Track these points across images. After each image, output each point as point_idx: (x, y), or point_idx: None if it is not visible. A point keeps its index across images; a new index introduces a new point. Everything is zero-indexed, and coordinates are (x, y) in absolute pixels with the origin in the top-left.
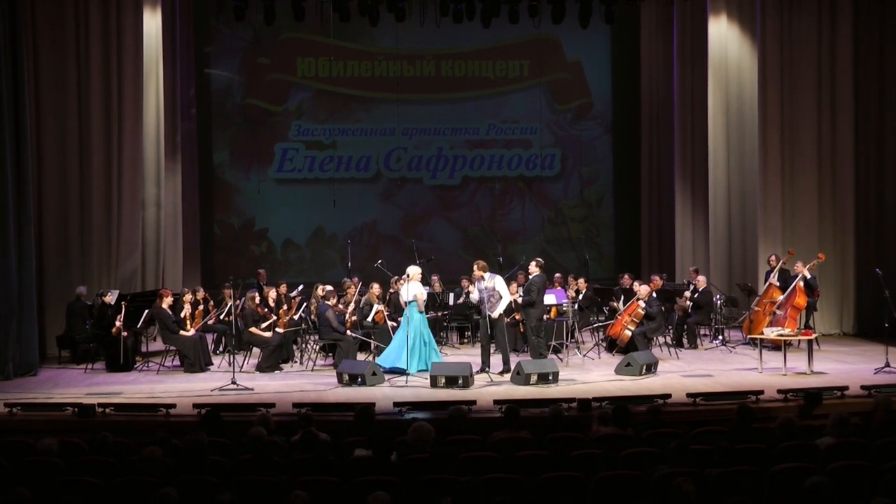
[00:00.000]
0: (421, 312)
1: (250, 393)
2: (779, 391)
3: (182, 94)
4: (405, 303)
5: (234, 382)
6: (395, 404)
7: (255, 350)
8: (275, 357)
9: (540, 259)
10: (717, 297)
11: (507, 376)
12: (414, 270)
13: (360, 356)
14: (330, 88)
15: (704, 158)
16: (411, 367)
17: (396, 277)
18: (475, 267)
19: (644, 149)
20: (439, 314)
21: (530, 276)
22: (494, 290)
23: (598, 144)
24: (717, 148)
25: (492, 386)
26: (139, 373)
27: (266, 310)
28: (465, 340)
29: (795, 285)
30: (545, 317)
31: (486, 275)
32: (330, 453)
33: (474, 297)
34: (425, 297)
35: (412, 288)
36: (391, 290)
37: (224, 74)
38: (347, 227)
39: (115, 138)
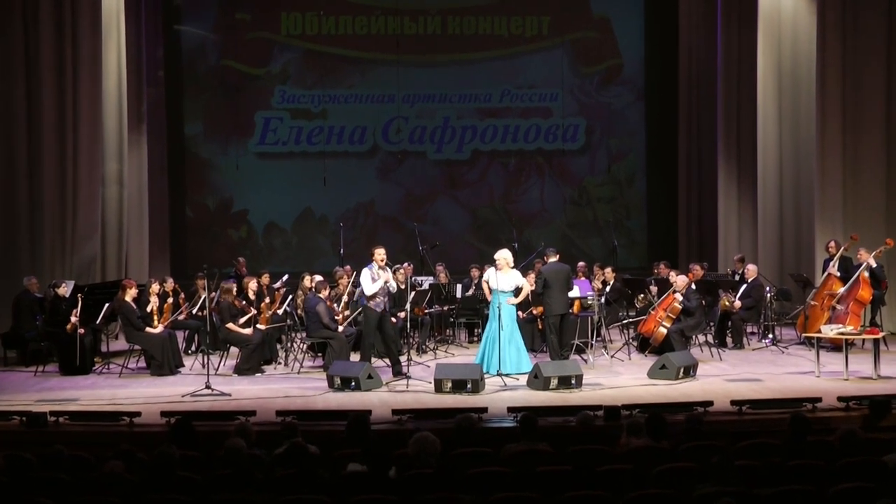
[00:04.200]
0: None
1: (227, 399)
2: (839, 398)
3: (148, 54)
4: (490, 292)
5: (208, 387)
6: (395, 412)
7: (233, 350)
8: (256, 358)
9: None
10: (767, 289)
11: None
12: (506, 255)
13: (354, 357)
14: (319, 48)
15: (752, 130)
16: (502, 367)
17: (398, 267)
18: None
19: (682, 119)
20: (445, 308)
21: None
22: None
23: (629, 114)
24: (768, 118)
25: (506, 391)
26: (98, 376)
27: (245, 303)
28: (475, 338)
29: (859, 276)
30: (569, 312)
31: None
32: (319, 468)
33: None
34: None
35: (511, 278)
36: (385, 282)
37: (197, 32)
38: (340, 209)
39: (69, 106)
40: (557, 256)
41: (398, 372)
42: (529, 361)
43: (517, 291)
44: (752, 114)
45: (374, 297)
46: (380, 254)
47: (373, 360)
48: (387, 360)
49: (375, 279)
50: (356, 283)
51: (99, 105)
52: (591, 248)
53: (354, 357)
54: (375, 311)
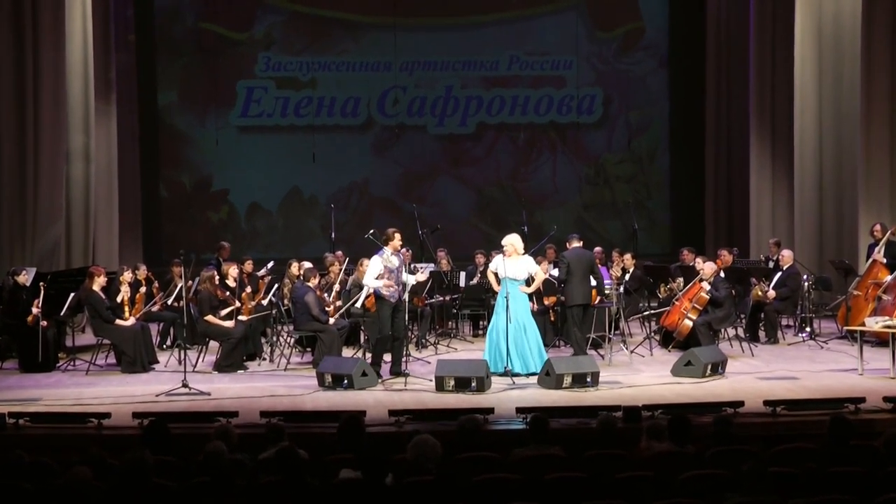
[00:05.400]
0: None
1: (206, 399)
2: (885, 399)
3: (117, 16)
4: (498, 282)
5: (185, 385)
6: (391, 412)
7: (213, 344)
8: (238, 353)
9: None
10: (805, 277)
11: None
12: (514, 241)
13: (347, 352)
14: (307, 10)
15: (789, 101)
16: (519, 367)
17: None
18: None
19: (709, 88)
20: (447, 299)
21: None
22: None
23: (651, 83)
24: (806, 88)
25: (514, 390)
26: (63, 373)
27: (227, 293)
28: (480, 331)
29: None
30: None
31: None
32: (308, 475)
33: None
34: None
35: (522, 264)
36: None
37: None
38: (330, 189)
39: (29, 73)
40: (581, 243)
41: (397, 372)
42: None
43: (530, 280)
44: (789, 83)
45: (387, 285)
46: (399, 239)
47: (367, 355)
48: (387, 357)
49: (388, 268)
50: (348, 271)
51: (62, 72)
52: (609, 231)
53: (346, 352)
54: (390, 301)
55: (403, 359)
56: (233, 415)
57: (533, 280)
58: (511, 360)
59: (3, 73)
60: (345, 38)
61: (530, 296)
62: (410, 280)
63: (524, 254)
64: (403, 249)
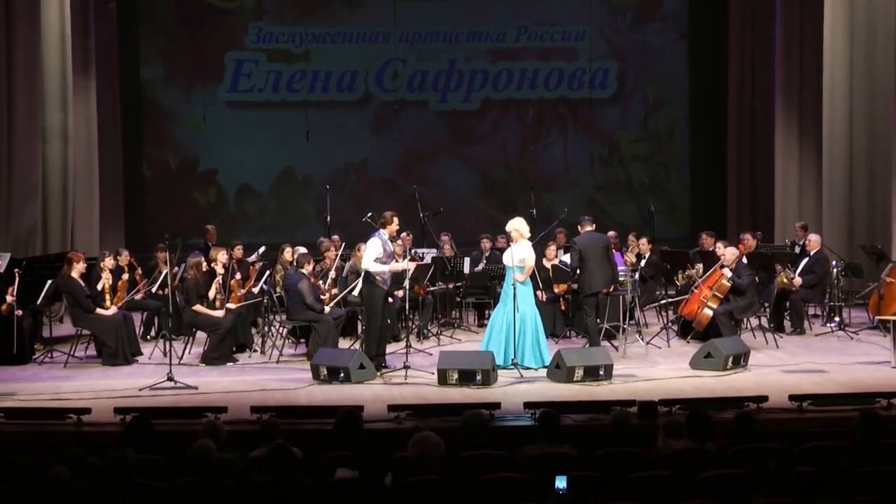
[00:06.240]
0: (524, 283)
1: (193, 393)
2: None
3: None
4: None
5: (170, 378)
6: (391, 408)
7: (200, 335)
8: (227, 344)
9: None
10: (834, 263)
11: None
12: (519, 226)
13: (343, 343)
14: None
15: (817, 74)
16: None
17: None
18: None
19: (732, 62)
20: (450, 286)
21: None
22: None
23: (670, 56)
24: (836, 62)
25: (522, 383)
26: (40, 366)
27: (221, 283)
28: (486, 321)
29: None
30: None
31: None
32: (302, 474)
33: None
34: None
35: (518, 250)
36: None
37: None
38: (326, 169)
39: (1, 45)
40: (593, 226)
41: (380, 365)
42: (549, 355)
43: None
44: (818, 57)
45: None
46: (396, 223)
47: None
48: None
49: (385, 252)
50: (345, 257)
51: (37, 44)
52: (624, 215)
53: (343, 343)
54: (382, 288)
55: (403, 351)
56: (221, 410)
57: (523, 266)
58: (516, 352)
59: None
60: (341, 7)
61: (538, 284)
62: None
63: (529, 239)
64: (404, 234)
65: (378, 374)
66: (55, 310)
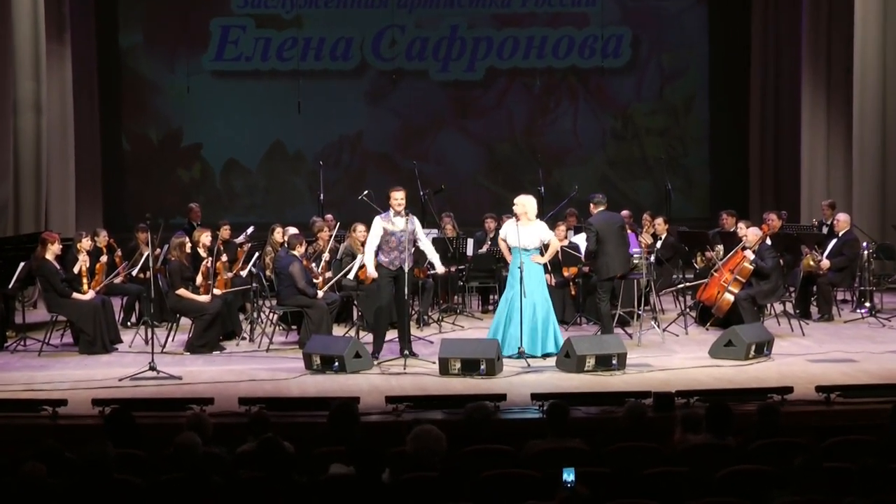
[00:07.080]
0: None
1: (177, 383)
2: None
3: None
4: (509, 251)
5: (152, 368)
6: (389, 399)
7: (185, 322)
8: (213, 332)
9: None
10: (864, 245)
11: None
12: (527, 204)
13: (337, 330)
14: None
15: (848, 41)
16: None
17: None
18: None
19: (755, 28)
20: (452, 269)
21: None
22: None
23: (687, 21)
24: (868, 28)
25: (529, 373)
26: (12, 354)
27: (207, 268)
28: (491, 307)
29: None
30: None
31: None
32: (294, 470)
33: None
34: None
35: (535, 230)
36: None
37: None
38: (319, 143)
39: None
40: (606, 205)
41: (410, 353)
42: (561, 341)
43: (544, 248)
44: (847, 22)
45: (389, 251)
46: (396, 198)
47: (361, 334)
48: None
49: (387, 230)
50: (339, 238)
51: (7, 8)
52: (638, 193)
53: (337, 330)
54: (389, 269)
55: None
56: (207, 402)
57: (547, 248)
58: (524, 340)
59: None
60: None
61: (546, 267)
62: (426, 248)
63: (538, 218)
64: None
65: (374, 362)
66: (28, 294)
